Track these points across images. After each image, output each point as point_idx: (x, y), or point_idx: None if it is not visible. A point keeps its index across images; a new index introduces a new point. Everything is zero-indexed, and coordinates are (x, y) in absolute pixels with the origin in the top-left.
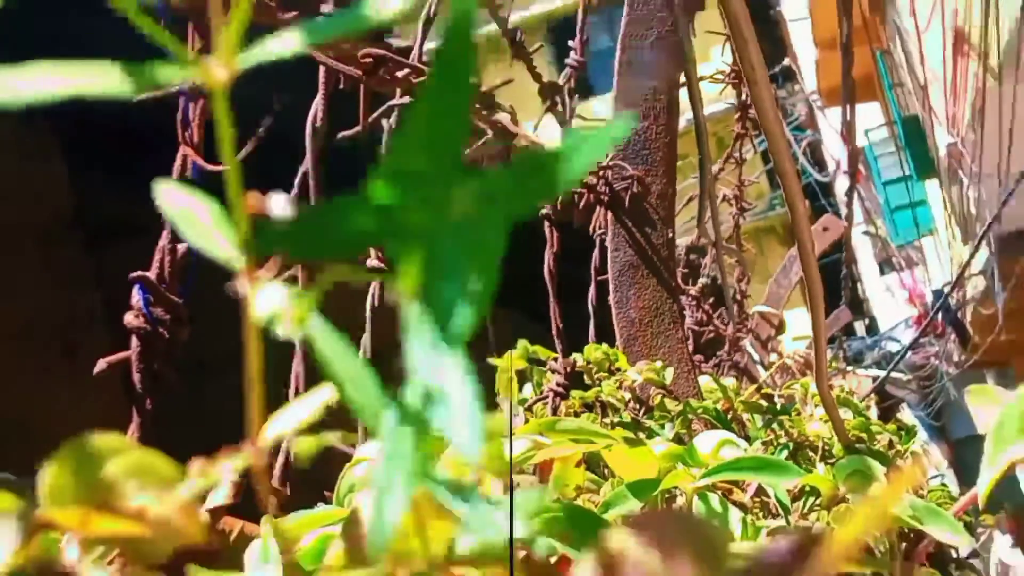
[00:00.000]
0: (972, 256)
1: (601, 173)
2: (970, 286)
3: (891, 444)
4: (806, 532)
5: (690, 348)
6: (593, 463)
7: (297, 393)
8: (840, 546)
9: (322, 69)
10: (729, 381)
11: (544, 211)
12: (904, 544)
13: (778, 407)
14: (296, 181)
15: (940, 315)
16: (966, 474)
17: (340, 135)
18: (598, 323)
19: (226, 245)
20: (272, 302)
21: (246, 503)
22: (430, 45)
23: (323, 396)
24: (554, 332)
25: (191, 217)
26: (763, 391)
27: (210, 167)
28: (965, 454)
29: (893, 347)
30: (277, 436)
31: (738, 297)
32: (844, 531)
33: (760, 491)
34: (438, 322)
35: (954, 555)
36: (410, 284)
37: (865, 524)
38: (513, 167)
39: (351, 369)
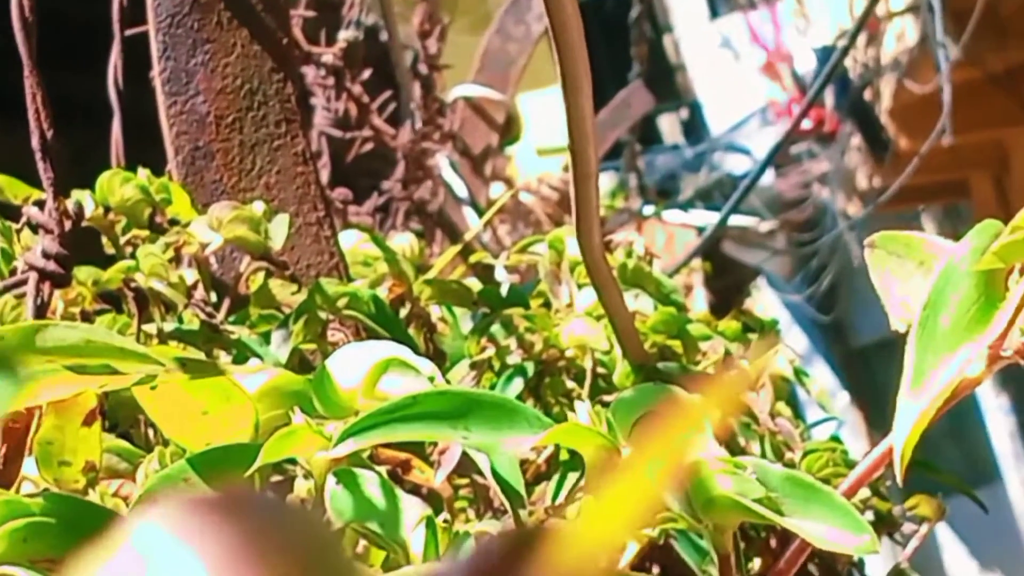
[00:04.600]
0: None
1: None
2: (888, 38)
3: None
4: (522, 532)
5: (323, 174)
6: (123, 415)
7: None
8: (581, 552)
9: None
10: (405, 239)
11: None
12: (757, 557)
13: (504, 292)
14: None
15: (829, 98)
16: (877, 413)
17: None
18: (131, 122)
19: None
20: None
21: None
22: None
23: None
24: (35, 145)
25: None
26: (475, 259)
27: None
28: (878, 372)
29: (737, 164)
30: None
31: (422, 68)
32: (589, 524)
33: (469, 462)
34: None
35: (852, 571)
36: None
37: (629, 508)
38: None
39: None
